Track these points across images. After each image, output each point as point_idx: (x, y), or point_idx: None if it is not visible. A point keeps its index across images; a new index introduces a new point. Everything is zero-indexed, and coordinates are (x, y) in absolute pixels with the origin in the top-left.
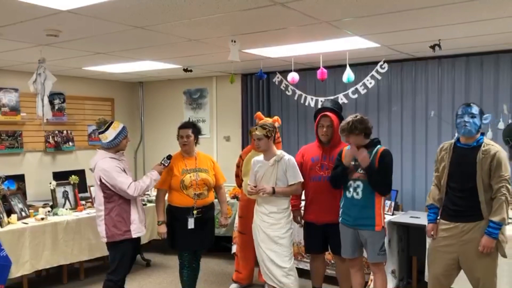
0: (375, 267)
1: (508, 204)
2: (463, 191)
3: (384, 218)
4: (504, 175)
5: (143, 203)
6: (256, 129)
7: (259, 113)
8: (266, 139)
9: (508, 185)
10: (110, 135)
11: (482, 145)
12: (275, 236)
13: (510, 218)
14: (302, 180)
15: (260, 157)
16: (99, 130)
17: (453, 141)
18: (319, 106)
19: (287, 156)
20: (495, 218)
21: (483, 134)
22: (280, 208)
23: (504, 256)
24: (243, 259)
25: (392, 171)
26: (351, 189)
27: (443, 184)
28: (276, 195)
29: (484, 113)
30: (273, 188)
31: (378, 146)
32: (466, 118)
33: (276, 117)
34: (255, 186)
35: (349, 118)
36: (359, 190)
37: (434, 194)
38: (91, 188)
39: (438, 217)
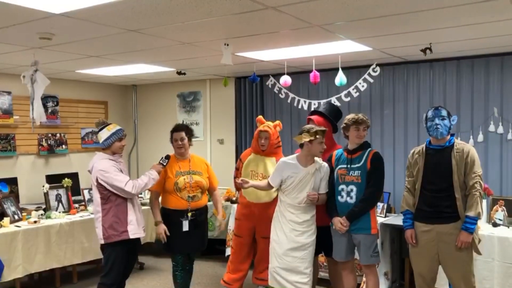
0: (368, 269)
1: (481, 199)
2: (440, 191)
3: (377, 220)
4: (478, 171)
5: None
6: (323, 134)
7: (260, 117)
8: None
9: (481, 181)
10: (103, 135)
11: (454, 145)
12: (306, 244)
13: (500, 220)
14: (328, 190)
15: (291, 160)
16: (97, 131)
17: (423, 145)
18: (313, 109)
19: (323, 163)
20: (471, 213)
21: (453, 135)
22: (311, 215)
23: (478, 253)
24: (235, 262)
25: (384, 174)
26: (343, 194)
27: (418, 187)
28: (309, 203)
29: (451, 115)
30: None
31: (369, 148)
32: (437, 121)
33: (278, 122)
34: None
35: (356, 114)
36: (353, 194)
37: (408, 200)
38: (85, 191)
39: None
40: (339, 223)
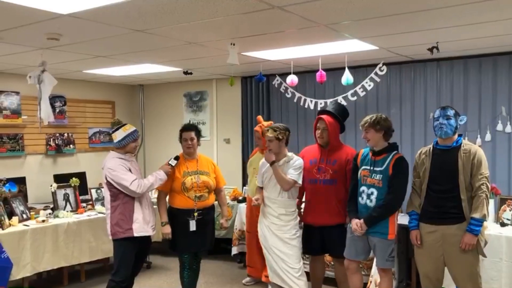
0: (383, 272)
1: (488, 201)
2: (445, 192)
3: (397, 225)
4: (484, 173)
5: None
6: (268, 130)
7: (259, 117)
8: (276, 141)
9: (487, 183)
10: (119, 135)
11: (462, 145)
12: (286, 238)
13: (508, 220)
14: (298, 182)
15: None
16: (111, 130)
17: (431, 145)
18: (319, 109)
19: (296, 158)
20: (476, 215)
21: (460, 135)
22: (288, 210)
23: (483, 255)
24: (250, 255)
25: (407, 180)
26: (364, 196)
27: (424, 187)
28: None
29: (460, 114)
30: (274, 161)
31: (394, 152)
32: (441, 120)
33: (270, 122)
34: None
35: (373, 114)
36: (373, 197)
37: (415, 201)
38: (92, 190)
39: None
40: (355, 225)
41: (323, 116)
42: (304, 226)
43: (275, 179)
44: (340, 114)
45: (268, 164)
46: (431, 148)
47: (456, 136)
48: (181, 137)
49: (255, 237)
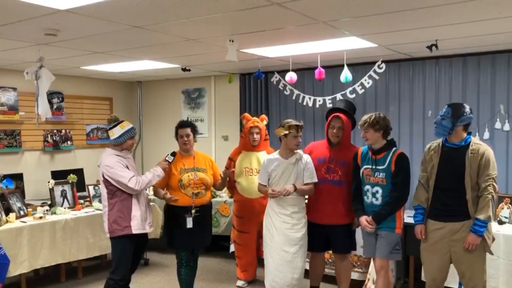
0: (381, 267)
1: (493, 202)
2: (452, 190)
3: (403, 219)
4: (492, 173)
5: None
6: (290, 127)
7: (246, 114)
8: (299, 136)
9: (494, 184)
10: (116, 132)
11: (470, 145)
12: (297, 238)
13: (505, 218)
14: (316, 180)
15: (273, 155)
16: (109, 126)
17: (440, 140)
18: (321, 105)
19: (305, 156)
20: (481, 216)
21: (470, 133)
22: (300, 207)
23: (490, 253)
24: (245, 257)
25: (410, 175)
26: (369, 194)
27: (431, 184)
28: (296, 193)
29: (465, 113)
30: (294, 185)
31: (394, 148)
32: (436, 119)
33: (263, 116)
34: (273, 190)
35: (372, 114)
36: (378, 195)
37: (421, 195)
38: (90, 187)
39: (425, 218)
40: (365, 221)
41: (341, 115)
42: (308, 223)
43: (286, 176)
44: (352, 111)
45: (276, 162)
46: (441, 145)
47: (465, 135)
48: (177, 134)
49: (253, 237)
